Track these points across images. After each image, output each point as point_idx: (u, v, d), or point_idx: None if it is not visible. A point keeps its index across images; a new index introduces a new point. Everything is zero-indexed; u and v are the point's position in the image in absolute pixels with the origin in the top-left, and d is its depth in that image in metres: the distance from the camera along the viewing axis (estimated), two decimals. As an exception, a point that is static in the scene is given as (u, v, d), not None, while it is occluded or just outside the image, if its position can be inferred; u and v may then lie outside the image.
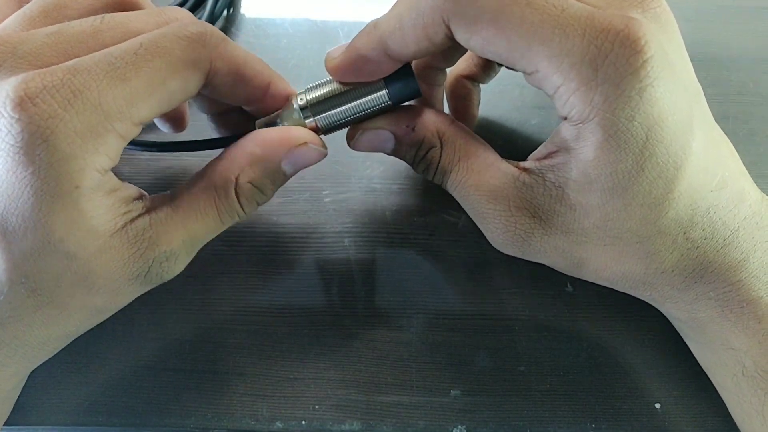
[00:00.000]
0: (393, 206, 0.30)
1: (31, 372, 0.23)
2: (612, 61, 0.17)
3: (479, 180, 0.22)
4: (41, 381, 0.26)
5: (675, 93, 0.18)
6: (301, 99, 0.23)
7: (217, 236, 0.23)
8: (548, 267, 0.24)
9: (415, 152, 0.23)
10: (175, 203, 0.21)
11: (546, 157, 0.21)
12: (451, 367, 0.27)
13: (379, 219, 0.30)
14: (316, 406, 0.26)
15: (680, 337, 0.26)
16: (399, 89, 0.22)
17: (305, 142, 0.22)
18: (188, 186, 0.22)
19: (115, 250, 0.19)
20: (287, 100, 0.23)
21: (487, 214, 0.22)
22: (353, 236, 0.29)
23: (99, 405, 0.26)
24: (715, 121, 0.22)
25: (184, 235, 0.21)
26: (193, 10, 0.35)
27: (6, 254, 0.18)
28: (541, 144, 0.22)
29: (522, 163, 0.22)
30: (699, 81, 0.21)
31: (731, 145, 0.23)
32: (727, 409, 0.24)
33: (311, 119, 0.23)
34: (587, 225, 0.21)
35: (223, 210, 0.21)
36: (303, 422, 0.26)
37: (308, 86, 0.23)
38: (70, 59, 0.19)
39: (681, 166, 0.19)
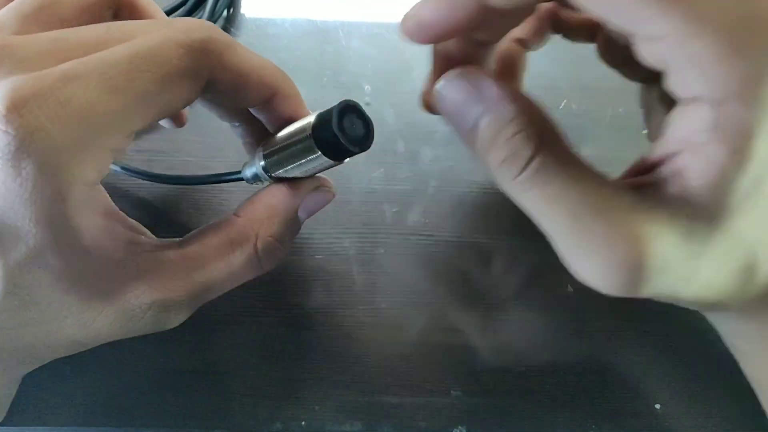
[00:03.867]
0: (393, 207, 0.30)
1: (31, 372, 0.23)
2: None
3: (582, 197, 0.16)
4: (41, 381, 0.26)
5: None
6: (261, 155, 0.22)
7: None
8: (548, 267, 0.24)
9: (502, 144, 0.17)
10: (185, 251, 0.20)
11: (658, 165, 0.16)
12: (451, 367, 0.27)
13: (379, 219, 0.30)
14: (317, 407, 0.26)
15: (680, 338, 0.26)
16: (322, 138, 0.20)
17: (317, 186, 0.22)
18: (200, 237, 0.21)
19: (110, 283, 0.18)
20: (290, 115, 0.22)
21: (590, 243, 0.16)
22: (353, 236, 0.29)
23: (99, 405, 0.26)
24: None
25: (188, 287, 0.20)
26: (193, 10, 0.35)
27: (1, 261, 0.18)
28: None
29: (631, 180, 0.17)
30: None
31: None
32: (727, 411, 0.24)
33: (268, 178, 0.23)
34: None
35: (236, 266, 0.21)
36: (303, 423, 0.26)
37: (270, 139, 0.22)
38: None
39: None
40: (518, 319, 0.28)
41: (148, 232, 0.21)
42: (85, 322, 0.19)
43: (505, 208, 0.30)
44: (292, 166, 0.22)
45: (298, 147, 0.21)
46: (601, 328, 0.27)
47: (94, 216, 0.18)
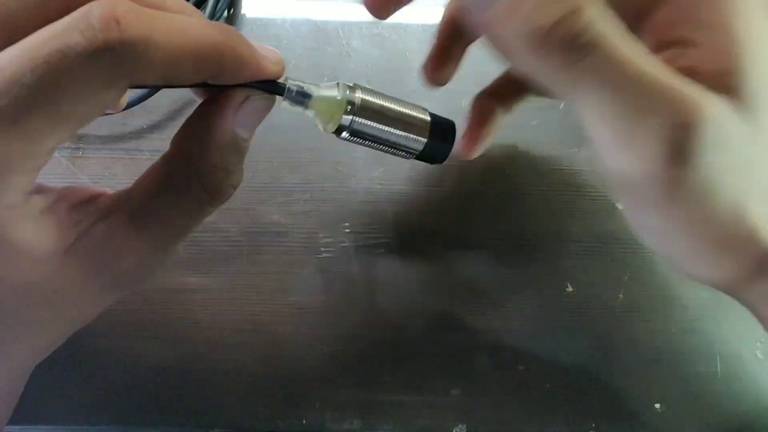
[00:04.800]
0: (393, 207, 0.30)
1: (33, 371, 0.23)
2: None
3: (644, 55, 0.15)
4: (43, 380, 0.26)
5: None
6: (351, 93, 0.21)
7: (218, 236, 0.22)
8: (548, 267, 0.24)
9: None
10: (131, 206, 0.19)
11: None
12: (451, 367, 0.27)
13: (380, 220, 0.30)
14: (317, 405, 0.26)
15: (680, 337, 0.26)
16: (440, 130, 0.23)
17: (248, 96, 0.19)
18: (144, 185, 0.19)
19: (73, 268, 0.18)
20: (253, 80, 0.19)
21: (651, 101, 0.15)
22: (354, 237, 0.29)
23: (100, 405, 0.26)
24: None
25: (148, 241, 0.19)
26: (194, 10, 0.35)
27: None
28: (539, 150, 0.21)
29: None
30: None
31: None
32: (727, 410, 0.24)
33: (349, 117, 0.21)
34: None
35: (188, 206, 0.19)
36: (303, 421, 0.26)
37: (361, 86, 0.22)
38: (9, 35, 0.15)
39: None
40: (518, 318, 0.28)
41: (94, 191, 0.20)
42: (63, 309, 0.19)
43: (505, 207, 0.30)
44: (387, 128, 0.22)
45: (411, 119, 0.22)
46: (601, 328, 0.27)
47: (32, 223, 0.17)
